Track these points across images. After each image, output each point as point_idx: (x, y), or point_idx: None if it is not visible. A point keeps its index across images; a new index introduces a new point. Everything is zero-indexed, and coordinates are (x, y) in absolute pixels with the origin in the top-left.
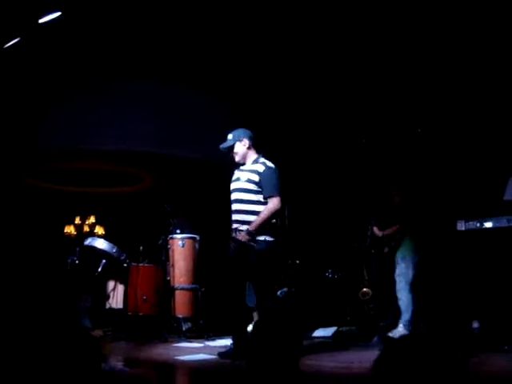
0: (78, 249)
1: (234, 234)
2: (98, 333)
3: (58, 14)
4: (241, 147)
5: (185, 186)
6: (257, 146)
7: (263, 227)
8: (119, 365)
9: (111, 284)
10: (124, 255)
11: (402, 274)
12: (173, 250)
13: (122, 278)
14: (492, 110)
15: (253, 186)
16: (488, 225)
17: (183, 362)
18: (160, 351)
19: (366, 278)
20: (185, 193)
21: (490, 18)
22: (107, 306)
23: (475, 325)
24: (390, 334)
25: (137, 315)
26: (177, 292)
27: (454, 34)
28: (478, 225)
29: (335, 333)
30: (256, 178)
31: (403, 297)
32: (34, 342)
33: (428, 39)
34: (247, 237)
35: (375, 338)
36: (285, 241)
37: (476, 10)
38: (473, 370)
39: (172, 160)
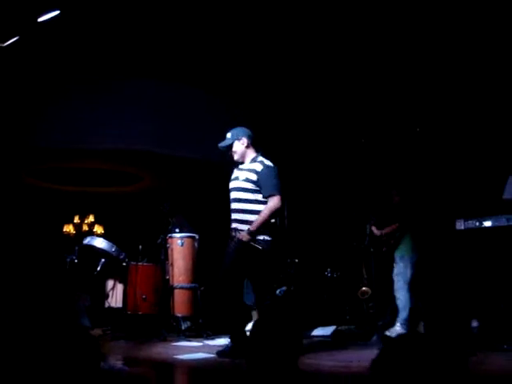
0: (77, 248)
1: (234, 234)
2: (97, 332)
3: (57, 12)
4: (239, 146)
5: (184, 185)
6: (256, 144)
7: (263, 226)
8: (118, 364)
9: (110, 283)
10: (123, 254)
11: (401, 273)
12: (172, 249)
13: (121, 277)
14: (491, 109)
15: (251, 185)
16: (487, 224)
17: (182, 360)
18: (159, 350)
19: (365, 276)
20: (184, 192)
21: (489, 18)
22: (106, 305)
23: (474, 324)
24: (387, 333)
25: (136, 314)
26: (176, 291)
27: (453, 33)
28: (477, 224)
29: (334, 332)
30: (254, 177)
31: (401, 296)
32: (33, 342)
33: (427, 39)
34: (248, 237)
35: (374, 337)
36: (284, 240)
37: (475, 9)
38: (472, 368)
39: (171, 159)
